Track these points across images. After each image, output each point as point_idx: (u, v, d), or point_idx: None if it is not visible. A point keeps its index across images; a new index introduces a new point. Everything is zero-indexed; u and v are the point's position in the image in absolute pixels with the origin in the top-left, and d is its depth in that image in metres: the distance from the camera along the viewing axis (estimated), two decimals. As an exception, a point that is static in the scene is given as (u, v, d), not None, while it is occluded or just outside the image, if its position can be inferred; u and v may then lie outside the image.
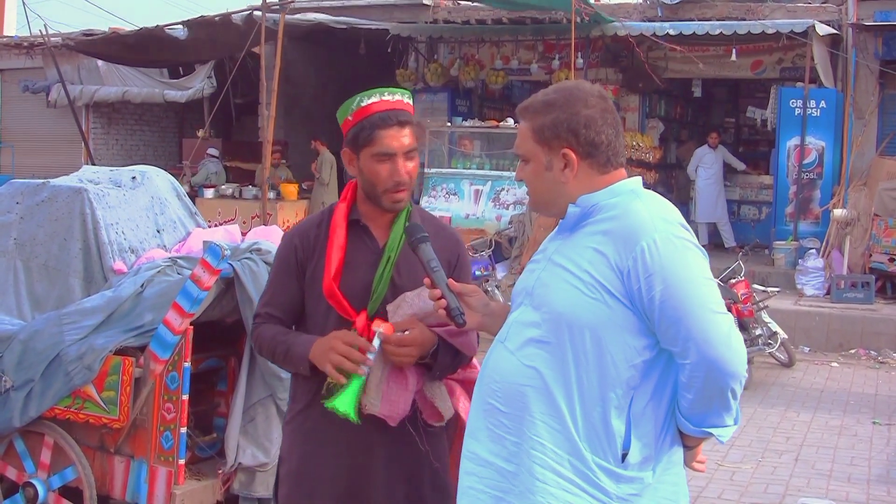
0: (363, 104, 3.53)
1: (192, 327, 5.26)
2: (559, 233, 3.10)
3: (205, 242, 5.33)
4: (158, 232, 6.45)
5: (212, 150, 20.10)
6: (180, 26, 17.93)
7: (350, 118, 3.55)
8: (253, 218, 16.81)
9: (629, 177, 3.08)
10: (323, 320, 3.50)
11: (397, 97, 3.58)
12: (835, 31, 16.95)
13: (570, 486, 2.89)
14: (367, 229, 3.63)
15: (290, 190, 18.06)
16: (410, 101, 3.64)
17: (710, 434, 2.97)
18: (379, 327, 3.38)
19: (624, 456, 2.90)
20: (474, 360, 3.82)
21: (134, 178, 6.52)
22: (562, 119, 2.98)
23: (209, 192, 18.61)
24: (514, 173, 3.20)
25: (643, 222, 2.89)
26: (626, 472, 2.91)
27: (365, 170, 3.56)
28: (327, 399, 3.42)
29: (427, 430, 3.64)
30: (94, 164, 15.08)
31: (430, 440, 3.66)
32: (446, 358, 3.56)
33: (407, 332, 3.43)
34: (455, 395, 3.73)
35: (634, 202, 2.97)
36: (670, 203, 3.04)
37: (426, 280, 3.35)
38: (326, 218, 3.67)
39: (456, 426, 3.82)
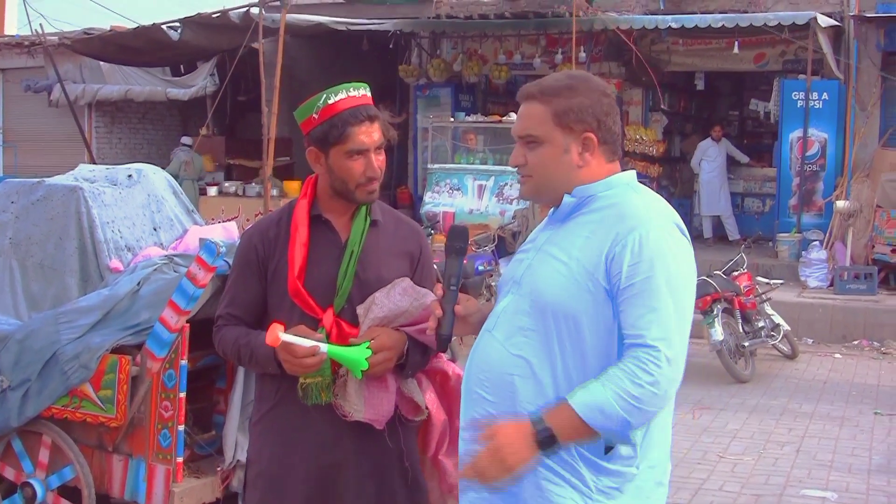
0: (330, 101, 3.50)
1: (188, 325, 5.26)
2: (550, 223, 3.11)
3: (200, 240, 5.33)
4: (155, 230, 6.44)
5: (185, 140, 20.33)
6: (177, 24, 17.90)
7: (315, 116, 3.53)
8: (256, 215, 16.78)
9: (625, 170, 3.11)
10: (287, 318, 3.46)
11: (362, 92, 3.57)
12: (837, 23, 16.90)
13: (552, 475, 2.90)
14: (329, 224, 3.61)
15: (294, 186, 18.06)
16: (371, 96, 3.60)
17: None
18: (278, 330, 3.29)
19: (609, 449, 2.90)
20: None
21: (130, 176, 6.51)
22: (587, 104, 3.00)
23: (212, 190, 18.64)
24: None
25: (638, 214, 2.92)
26: (608, 464, 2.90)
27: (336, 167, 3.54)
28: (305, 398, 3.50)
29: (406, 427, 3.67)
30: (94, 164, 15.07)
31: (408, 436, 3.69)
32: (416, 355, 3.58)
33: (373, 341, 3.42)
34: (421, 386, 3.74)
35: (631, 194, 3.00)
36: (665, 201, 3.06)
37: (438, 290, 3.27)
38: (286, 215, 3.65)
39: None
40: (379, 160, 3.56)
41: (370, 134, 3.52)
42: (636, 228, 2.87)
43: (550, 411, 2.83)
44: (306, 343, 3.32)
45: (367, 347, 3.39)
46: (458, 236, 3.34)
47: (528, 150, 3.07)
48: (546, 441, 2.81)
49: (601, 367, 2.86)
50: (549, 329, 2.91)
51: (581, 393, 2.80)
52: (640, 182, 3.14)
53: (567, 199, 3.02)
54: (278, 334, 3.27)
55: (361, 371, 3.38)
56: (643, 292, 2.82)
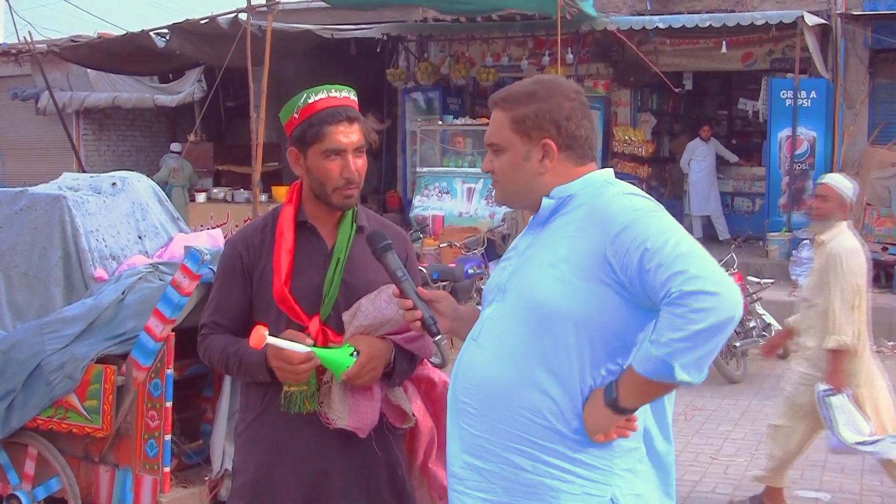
0: (310, 101, 3.48)
1: (174, 333, 5.22)
2: (530, 228, 3.09)
3: (185, 248, 5.28)
4: (140, 238, 6.41)
5: (173, 146, 20.35)
6: (165, 31, 17.84)
7: (296, 116, 3.51)
8: (245, 221, 16.75)
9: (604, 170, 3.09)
10: (274, 326, 3.41)
11: (344, 94, 3.55)
12: (824, 22, 16.92)
13: (559, 472, 2.87)
14: (314, 230, 3.58)
15: (283, 192, 18.01)
16: (356, 99, 3.59)
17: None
18: (263, 331, 3.20)
19: None
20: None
21: (114, 184, 6.47)
22: (544, 110, 2.97)
23: (201, 197, 18.61)
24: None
25: (623, 203, 2.88)
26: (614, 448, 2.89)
27: (313, 168, 3.51)
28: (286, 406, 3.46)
29: (394, 435, 3.64)
30: (84, 172, 15.01)
31: (396, 444, 3.67)
32: (403, 363, 3.55)
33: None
34: (407, 393, 3.72)
35: (608, 188, 2.98)
36: (643, 192, 3.02)
37: (395, 290, 3.31)
38: (271, 222, 3.62)
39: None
40: (357, 163, 3.52)
41: (348, 134, 3.48)
42: (628, 217, 2.83)
43: (619, 375, 2.82)
44: (299, 348, 3.28)
45: (349, 346, 3.36)
46: (377, 240, 3.37)
47: (494, 157, 3.07)
48: (613, 404, 2.79)
49: (594, 368, 2.84)
50: (541, 333, 2.87)
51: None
52: (631, 182, 3.11)
53: (546, 201, 3.00)
54: (263, 333, 3.20)
55: (345, 377, 3.35)
56: (663, 265, 2.70)
